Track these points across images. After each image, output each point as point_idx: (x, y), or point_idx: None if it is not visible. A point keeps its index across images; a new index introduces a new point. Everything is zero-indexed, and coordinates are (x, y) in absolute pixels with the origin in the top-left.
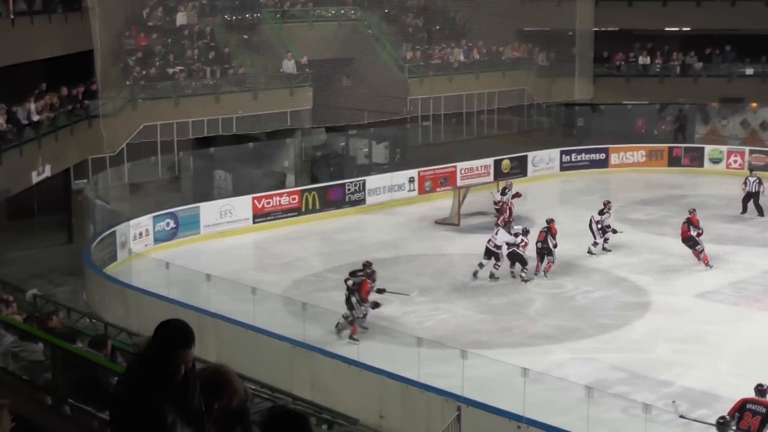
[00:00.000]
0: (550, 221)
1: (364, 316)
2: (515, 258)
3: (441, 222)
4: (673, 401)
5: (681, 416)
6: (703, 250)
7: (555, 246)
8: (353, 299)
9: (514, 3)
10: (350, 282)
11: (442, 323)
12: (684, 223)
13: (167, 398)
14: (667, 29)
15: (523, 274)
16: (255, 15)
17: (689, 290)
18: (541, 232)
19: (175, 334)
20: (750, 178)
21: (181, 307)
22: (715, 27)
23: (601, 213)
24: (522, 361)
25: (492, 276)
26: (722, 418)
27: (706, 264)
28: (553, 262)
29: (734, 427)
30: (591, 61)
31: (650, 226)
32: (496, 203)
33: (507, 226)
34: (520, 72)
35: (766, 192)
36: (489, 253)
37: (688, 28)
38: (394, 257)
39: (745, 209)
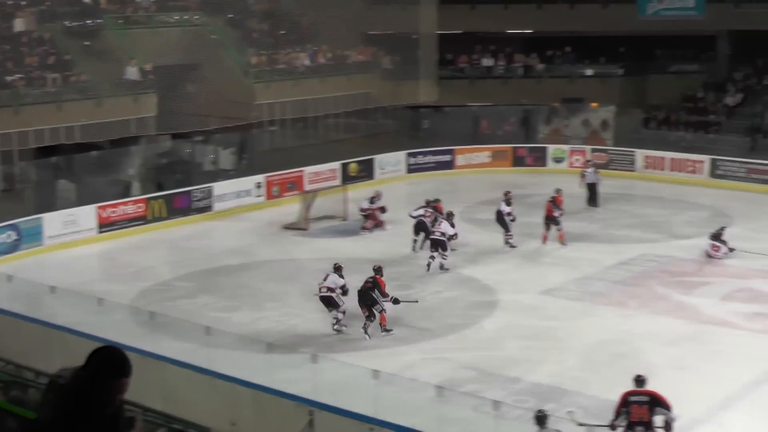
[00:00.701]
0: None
1: (395, 303)
2: (438, 244)
3: (289, 227)
4: (570, 411)
5: (580, 424)
6: (561, 230)
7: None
8: (374, 294)
9: (358, 7)
10: (369, 279)
11: (292, 328)
12: (548, 201)
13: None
14: (509, 31)
15: (443, 261)
16: (96, 21)
17: (535, 288)
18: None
19: (111, 362)
20: (587, 170)
21: (24, 321)
22: (555, 29)
23: (508, 204)
24: (373, 363)
25: (442, 267)
26: (540, 411)
27: (562, 242)
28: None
29: (623, 424)
30: (435, 64)
31: (496, 225)
32: (362, 210)
33: (449, 218)
34: (365, 75)
35: (603, 182)
36: (436, 244)
37: (530, 31)
38: (242, 264)
39: (588, 201)
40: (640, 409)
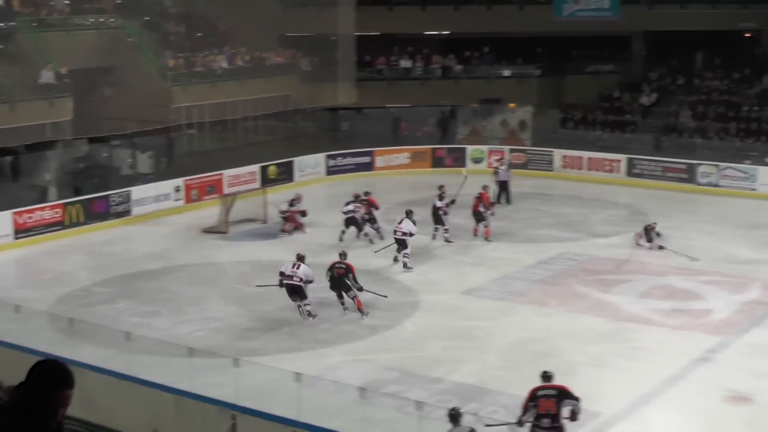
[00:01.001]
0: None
1: (360, 290)
2: (400, 243)
3: (209, 230)
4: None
5: (487, 425)
6: (488, 226)
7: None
8: (348, 280)
9: (276, 9)
10: (342, 265)
11: (214, 332)
12: (476, 198)
13: None
14: (427, 33)
15: (406, 260)
16: (9, 24)
17: (456, 288)
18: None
19: (54, 374)
20: (500, 168)
21: None
22: (472, 30)
23: (440, 198)
24: (295, 366)
25: (405, 266)
26: (453, 409)
27: (487, 238)
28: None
29: (531, 419)
30: (354, 66)
31: (417, 226)
32: (282, 212)
33: (409, 215)
34: (283, 78)
35: (514, 180)
36: (399, 243)
37: (447, 32)
38: (161, 268)
39: (499, 199)
40: (548, 402)
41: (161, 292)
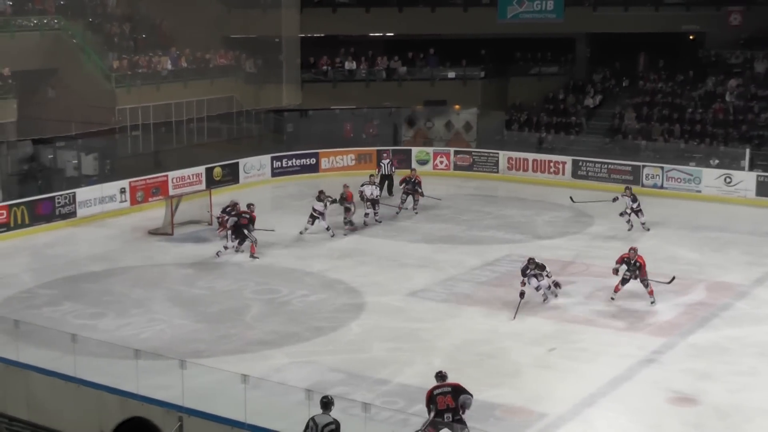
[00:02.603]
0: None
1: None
2: (372, 201)
3: (154, 232)
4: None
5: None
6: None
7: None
8: (247, 230)
9: (220, 10)
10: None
11: (159, 334)
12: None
13: None
14: (371, 34)
15: (376, 216)
16: None
17: (401, 289)
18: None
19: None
20: (384, 161)
21: None
22: (417, 32)
23: (319, 200)
24: (241, 367)
25: (375, 220)
26: (326, 396)
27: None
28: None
29: (431, 416)
30: (298, 67)
31: (361, 228)
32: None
33: (372, 179)
34: (228, 79)
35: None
36: (370, 201)
37: (392, 34)
38: (106, 270)
39: (382, 191)
40: (445, 398)
41: (106, 294)
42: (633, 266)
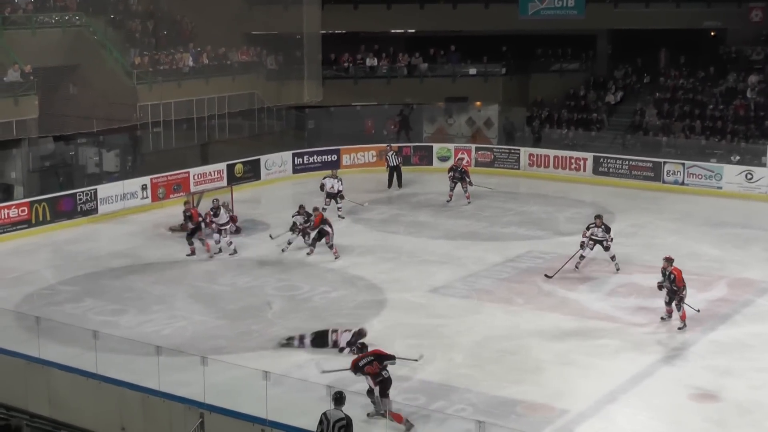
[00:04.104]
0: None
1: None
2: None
3: (175, 229)
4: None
5: (324, 371)
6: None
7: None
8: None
9: (241, 7)
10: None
11: (180, 330)
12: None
13: None
14: (392, 31)
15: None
16: None
17: (422, 286)
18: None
19: None
20: (389, 154)
21: None
22: (438, 29)
23: (298, 213)
24: (262, 364)
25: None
26: (338, 392)
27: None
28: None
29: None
30: (319, 64)
31: (383, 225)
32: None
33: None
34: (249, 76)
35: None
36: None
37: (413, 30)
38: (128, 266)
39: (390, 184)
40: (371, 367)
41: (127, 291)
42: (667, 278)
